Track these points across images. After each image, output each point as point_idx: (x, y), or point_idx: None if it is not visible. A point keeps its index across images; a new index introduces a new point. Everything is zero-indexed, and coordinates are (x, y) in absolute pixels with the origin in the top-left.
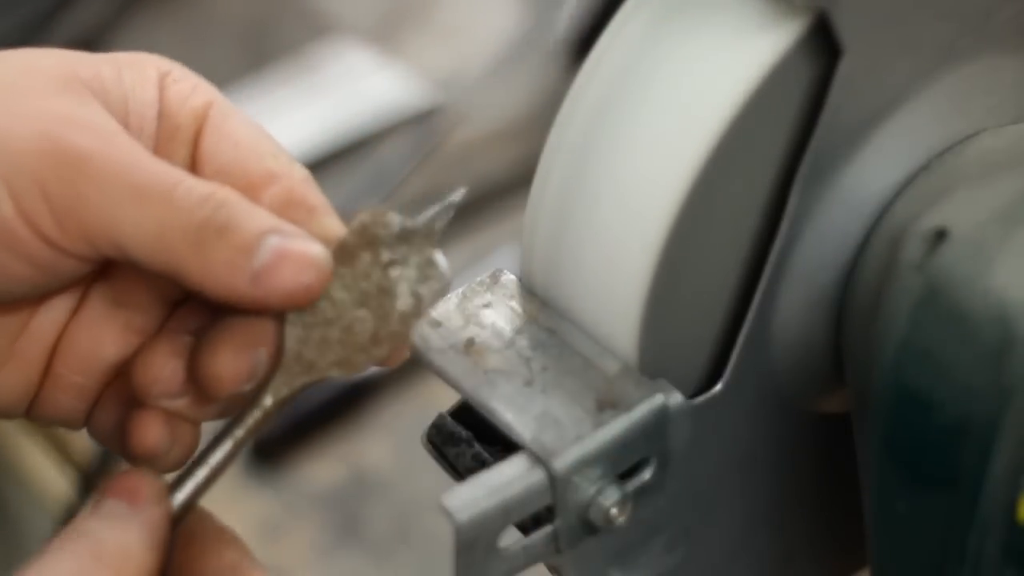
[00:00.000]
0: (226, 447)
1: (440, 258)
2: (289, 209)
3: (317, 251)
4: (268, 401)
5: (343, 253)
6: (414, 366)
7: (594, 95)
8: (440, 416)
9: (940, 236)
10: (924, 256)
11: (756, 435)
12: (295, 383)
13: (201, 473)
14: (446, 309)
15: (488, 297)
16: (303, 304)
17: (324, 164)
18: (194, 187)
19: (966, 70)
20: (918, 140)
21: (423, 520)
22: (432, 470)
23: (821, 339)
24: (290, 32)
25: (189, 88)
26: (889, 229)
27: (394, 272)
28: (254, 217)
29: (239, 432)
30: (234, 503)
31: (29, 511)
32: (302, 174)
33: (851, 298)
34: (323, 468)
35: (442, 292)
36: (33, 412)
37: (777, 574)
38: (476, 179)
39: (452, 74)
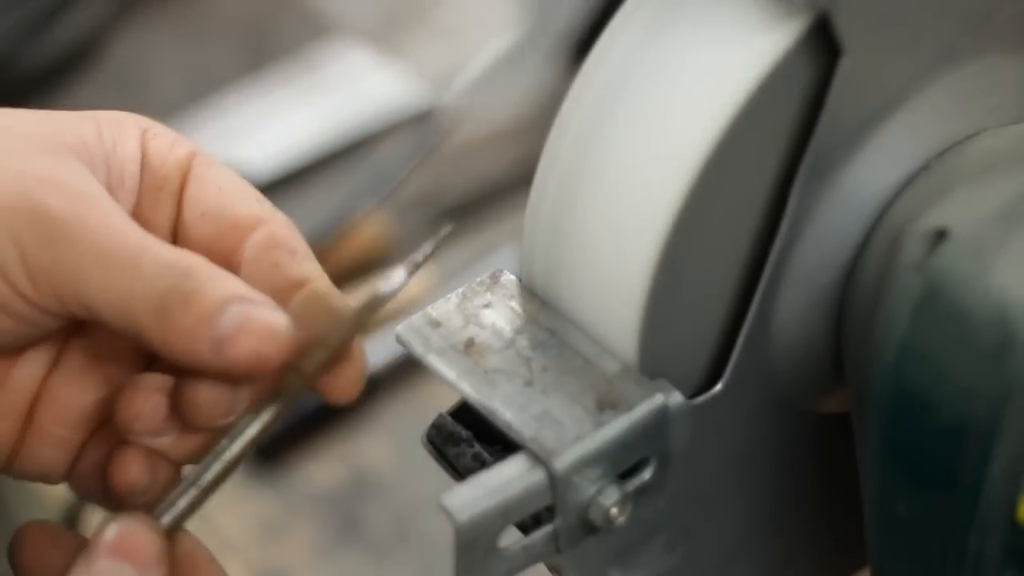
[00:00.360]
0: (201, 484)
1: (394, 273)
2: (272, 251)
3: (278, 321)
4: (243, 438)
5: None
6: (414, 366)
7: (594, 95)
8: (440, 416)
9: (940, 236)
10: (924, 256)
11: (756, 435)
12: (272, 410)
13: (186, 499)
14: (446, 309)
15: (488, 297)
16: (264, 372)
17: (324, 164)
18: (161, 255)
19: (966, 70)
20: (918, 140)
21: (423, 520)
22: (432, 470)
23: (821, 339)
24: (290, 32)
25: (170, 141)
26: (889, 229)
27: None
28: (218, 285)
29: (225, 458)
30: (234, 503)
31: (29, 511)
32: (284, 219)
33: (851, 298)
34: (323, 468)
35: (379, 300)
36: (15, 466)
37: (777, 574)
38: (476, 179)
39: (452, 74)
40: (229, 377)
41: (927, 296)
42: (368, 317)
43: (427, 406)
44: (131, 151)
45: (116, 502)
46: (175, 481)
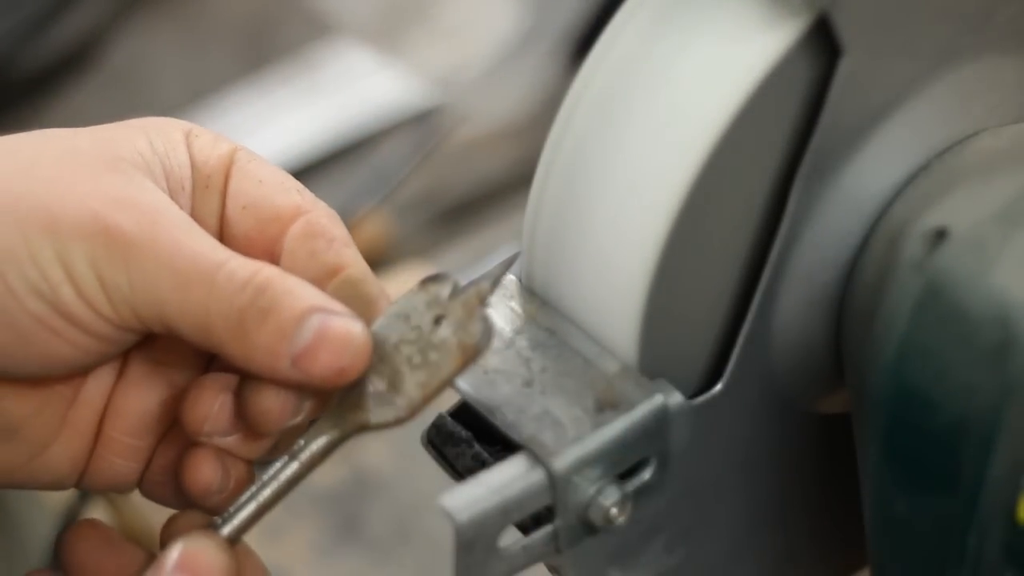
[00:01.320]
0: (263, 496)
1: (486, 318)
2: (310, 240)
3: (356, 331)
4: (316, 444)
5: (399, 309)
6: None
7: (595, 95)
8: (440, 416)
9: (940, 236)
10: (924, 256)
11: (756, 435)
12: (344, 427)
13: (246, 512)
14: None
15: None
16: (343, 384)
17: (324, 164)
18: (236, 271)
19: (966, 70)
20: (918, 140)
21: (423, 520)
22: (432, 470)
23: (821, 339)
24: (290, 32)
25: (212, 140)
26: (889, 229)
27: (441, 329)
28: (295, 296)
29: (281, 478)
30: None
31: (29, 511)
32: (325, 208)
33: (851, 298)
34: (323, 468)
35: (482, 350)
36: (86, 480)
37: (777, 574)
38: (476, 179)
39: (452, 74)
40: (308, 390)
41: (927, 296)
42: (469, 364)
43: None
44: (182, 156)
45: (190, 504)
46: (248, 478)
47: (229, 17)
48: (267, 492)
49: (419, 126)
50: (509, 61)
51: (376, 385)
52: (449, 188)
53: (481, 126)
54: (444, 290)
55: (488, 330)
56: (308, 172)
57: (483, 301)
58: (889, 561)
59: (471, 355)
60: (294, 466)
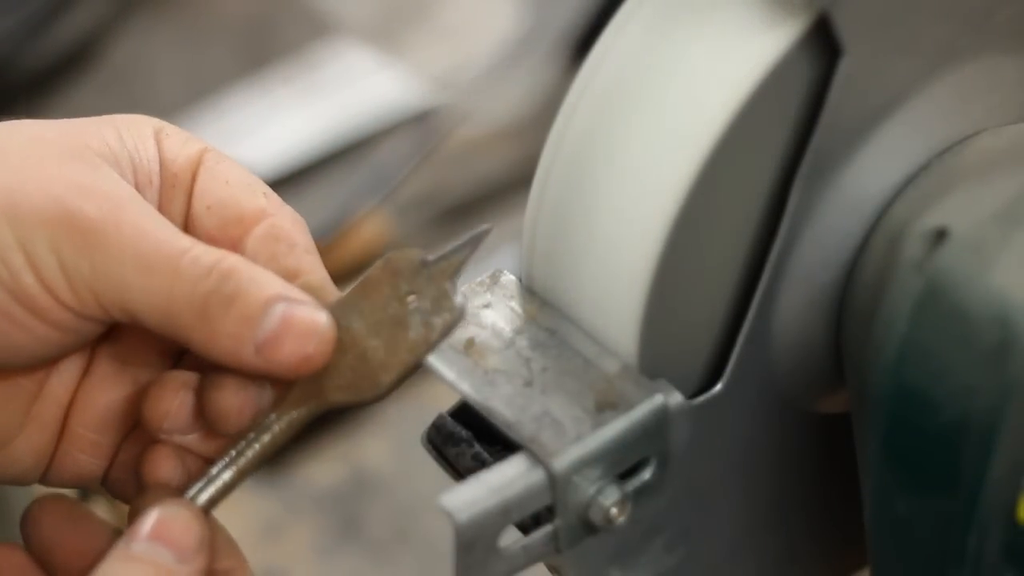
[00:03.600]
0: (233, 469)
1: (453, 291)
2: (271, 244)
3: (320, 319)
4: (278, 426)
5: (366, 286)
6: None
7: (594, 95)
8: (440, 416)
9: (940, 236)
10: (924, 256)
11: (756, 435)
12: (308, 407)
13: (208, 492)
14: None
15: (488, 297)
16: (307, 373)
17: (324, 164)
18: (200, 256)
19: (966, 70)
20: (918, 140)
21: (423, 520)
22: (432, 470)
23: (821, 339)
24: (290, 32)
25: (182, 140)
26: (889, 229)
27: (410, 303)
28: (259, 285)
29: (249, 454)
30: (234, 503)
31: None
32: (291, 213)
33: (851, 298)
34: (323, 468)
35: (453, 324)
36: (50, 475)
37: (777, 574)
38: (476, 179)
39: (452, 74)
40: (271, 378)
41: (927, 296)
42: (440, 337)
43: (427, 406)
44: (151, 151)
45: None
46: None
47: (229, 17)
48: (233, 471)
49: (419, 126)
50: (509, 61)
51: (346, 362)
52: (449, 188)
53: (481, 126)
54: (411, 265)
55: (458, 306)
56: (308, 172)
57: (452, 277)
58: (889, 561)
59: (440, 333)
60: (265, 439)
